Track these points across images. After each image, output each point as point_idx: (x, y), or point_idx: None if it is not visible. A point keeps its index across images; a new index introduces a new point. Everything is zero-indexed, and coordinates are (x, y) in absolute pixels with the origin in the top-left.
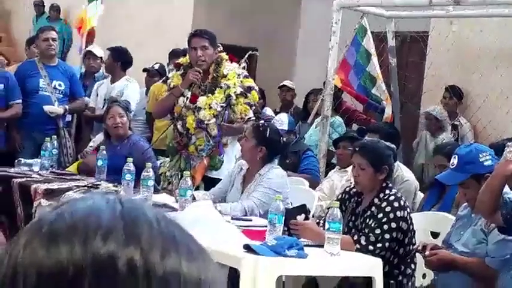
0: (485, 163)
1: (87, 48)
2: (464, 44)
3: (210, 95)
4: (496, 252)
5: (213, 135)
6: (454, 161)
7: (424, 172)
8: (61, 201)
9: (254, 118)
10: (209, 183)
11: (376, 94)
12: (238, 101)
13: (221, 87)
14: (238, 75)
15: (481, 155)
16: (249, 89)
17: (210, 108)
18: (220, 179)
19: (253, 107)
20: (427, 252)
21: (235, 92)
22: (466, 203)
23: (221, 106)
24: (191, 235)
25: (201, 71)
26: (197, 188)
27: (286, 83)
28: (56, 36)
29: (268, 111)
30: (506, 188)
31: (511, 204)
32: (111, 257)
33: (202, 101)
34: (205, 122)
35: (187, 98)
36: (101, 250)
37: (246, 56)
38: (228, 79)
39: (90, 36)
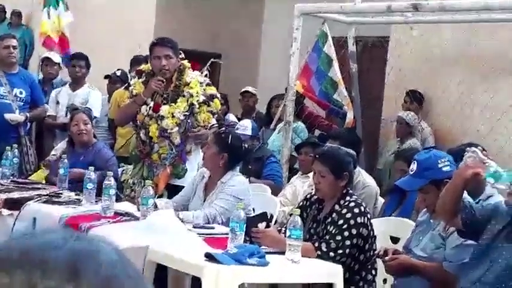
0: (444, 169)
1: (45, 55)
2: (424, 49)
3: (172, 104)
4: (453, 257)
5: (176, 144)
6: (414, 166)
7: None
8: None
9: (217, 125)
10: (173, 191)
11: (338, 99)
12: (201, 109)
13: (184, 96)
14: (201, 83)
15: (439, 161)
16: (212, 97)
17: (173, 117)
18: (184, 187)
19: (216, 115)
20: (387, 257)
21: (198, 100)
22: (425, 209)
23: (184, 115)
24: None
25: (164, 80)
26: (160, 196)
27: (249, 88)
28: (16, 44)
29: (231, 117)
30: (465, 193)
31: (470, 208)
32: None
33: (165, 109)
34: (168, 131)
35: (149, 106)
36: (39, 285)
37: (208, 63)
38: (191, 87)
39: (64, 43)
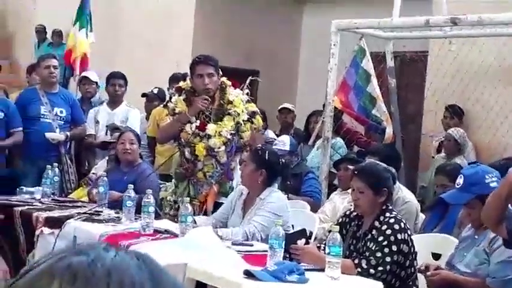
0: (491, 184)
1: (83, 74)
2: (463, 63)
3: (219, 122)
4: (497, 273)
5: (222, 162)
6: (460, 180)
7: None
8: (78, 247)
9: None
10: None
11: (377, 115)
12: (245, 127)
13: (230, 115)
14: (244, 101)
15: (487, 176)
16: (254, 113)
17: (220, 135)
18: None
19: (260, 132)
20: (429, 273)
21: (243, 119)
22: (470, 224)
23: (231, 133)
24: None
25: (209, 99)
26: (205, 214)
27: (286, 105)
28: (56, 63)
29: (269, 133)
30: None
31: None
32: None
33: (211, 128)
34: (216, 150)
35: (195, 125)
36: None
37: (248, 81)
38: (235, 106)
39: (84, 63)
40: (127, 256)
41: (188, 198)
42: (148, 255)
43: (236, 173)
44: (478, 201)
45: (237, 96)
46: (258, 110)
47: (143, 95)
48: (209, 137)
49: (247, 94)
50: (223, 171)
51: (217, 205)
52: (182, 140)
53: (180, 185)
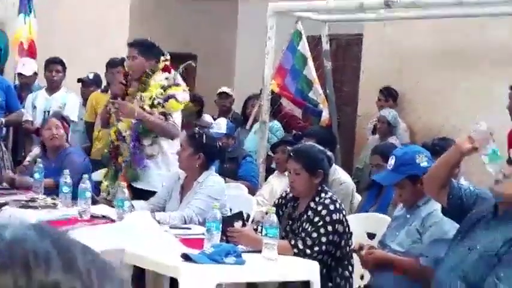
0: (422, 164)
1: (17, 71)
2: (398, 46)
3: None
4: (429, 252)
5: (130, 147)
6: (392, 162)
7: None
8: None
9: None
10: (138, 194)
11: (313, 98)
12: (152, 110)
13: (139, 99)
14: (166, 86)
15: (417, 156)
16: (169, 97)
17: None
18: (148, 190)
19: (168, 116)
20: (362, 252)
21: (149, 104)
22: (402, 204)
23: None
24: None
25: (125, 83)
26: None
27: (225, 89)
28: None
29: (206, 117)
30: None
31: (458, 189)
32: (56, 286)
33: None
34: (123, 134)
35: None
36: (45, 279)
37: (181, 66)
38: (150, 90)
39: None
40: (25, 228)
41: (125, 183)
42: (46, 225)
43: (162, 158)
44: (409, 182)
45: (157, 81)
46: (181, 94)
47: (79, 80)
48: (119, 120)
49: (177, 76)
50: (132, 155)
51: (135, 190)
52: (110, 124)
53: (108, 169)
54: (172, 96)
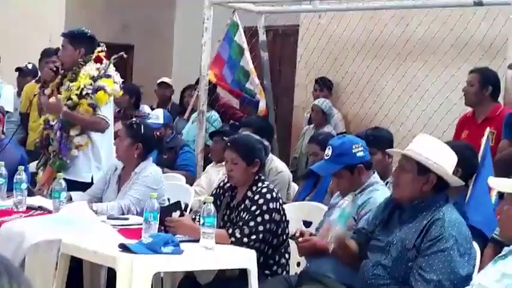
0: (358, 154)
1: None
2: (333, 36)
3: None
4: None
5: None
6: (329, 152)
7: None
8: None
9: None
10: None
11: (250, 88)
12: (80, 101)
13: (69, 90)
14: (95, 76)
15: (353, 146)
16: (98, 89)
17: None
18: (78, 181)
19: (96, 108)
20: (300, 239)
21: (77, 93)
22: (338, 192)
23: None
24: None
25: (55, 69)
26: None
27: (165, 79)
28: None
29: (145, 108)
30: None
31: (361, 233)
32: None
33: (51, 101)
34: (50, 123)
35: (44, 96)
36: None
37: (113, 57)
38: (77, 81)
39: None
40: None
41: (61, 174)
42: None
43: (88, 151)
44: (346, 171)
45: (86, 71)
46: (108, 86)
47: (17, 69)
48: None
49: (117, 68)
50: (58, 145)
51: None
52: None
53: (39, 159)
54: (102, 88)
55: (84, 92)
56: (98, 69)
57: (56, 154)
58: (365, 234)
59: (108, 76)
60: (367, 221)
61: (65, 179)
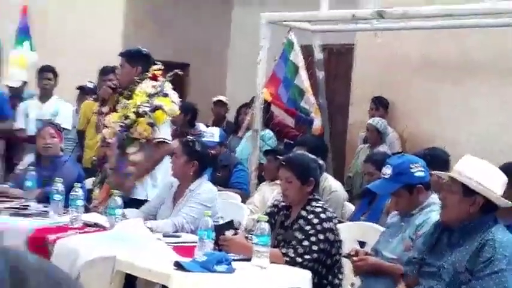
0: (416, 174)
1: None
2: (389, 55)
3: (113, 113)
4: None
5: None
6: (387, 171)
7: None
8: None
9: (164, 139)
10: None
11: (305, 107)
12: (138, 120)
13: (125, 107)
14: (152, 94)
15: (412, 166)
16: (156, 108)
17: (112, 126)
18: (133, 198)
19: (155, 127)
20: (355, 258)
21: (134, 111)
22: (395, 212)
23: (120, 125)
24: None
25: (113, 87)
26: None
27: (221, 98)
28: None
29: (200, 126)
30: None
31: (413, 263)
32: None
33: (108, 119)
34: (107, 140)
35: (102, 114)
36: None
37: (168, 75)
38: (133, 98)
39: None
40: None
41: (117, 191)
42: (15, 250)
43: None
44: (405, 191)
45: (142, 89)
46: (168, 105)
47: (79, 87)
48: (105, 127)
49: (161, 85)
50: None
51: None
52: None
53: (96, 176)
54: (160, 107)
55: (140, 110)
56: (153, 86)
57: (113, 172)
58: (417, 263)
59: (166, 95)
60: (417, 249)
61: (120, 196)
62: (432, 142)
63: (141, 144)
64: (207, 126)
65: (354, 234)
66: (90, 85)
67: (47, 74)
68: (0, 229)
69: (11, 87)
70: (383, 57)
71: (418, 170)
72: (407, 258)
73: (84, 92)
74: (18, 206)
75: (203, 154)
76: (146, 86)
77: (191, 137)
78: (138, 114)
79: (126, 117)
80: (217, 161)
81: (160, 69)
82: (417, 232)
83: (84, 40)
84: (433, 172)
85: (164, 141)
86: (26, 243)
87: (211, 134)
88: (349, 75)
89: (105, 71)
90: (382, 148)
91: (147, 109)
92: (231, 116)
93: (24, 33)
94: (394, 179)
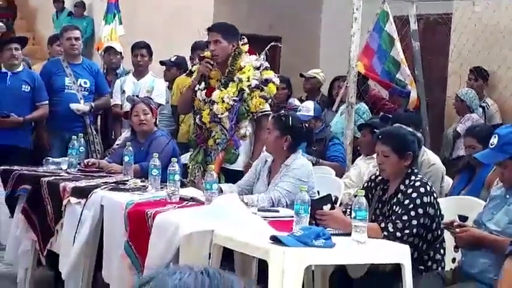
0: None
1: (107, 44)
2: (487, 24)
3: (223, 88)
4: None
5: (227, 129)
6: (494, 140)
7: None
8: (149, 277)
9: (269, 111)
10: (229, 175)
11: (401, 79)
12: (253, 94)
13: (234, 81)
14: (258, 67)
15: None
16: (266, 81)
17: (223, 102)
18: (239, 171)
19: (269, 100)
20: (458, 229)
21: (249, 85)
22: (500, 184)
23: (233, 100)
24: None
25: (212, 63)
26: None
27: (315, 71)
28: (79, 35)
29: (295, 101)
30: None
31: None
32: None
33: (216, 94)
34: (219, 116)
35: (202, 91)
36: None
37: (267, 47)
38: (243, 72)
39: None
40: (190, 278)
41: (213, 166)
42: (216, 270)
43: (248, 140)
44: (511, 161)
45: (249, 62)
46: (275, 78)
47: (161, 63)
48: (213, 103)
49: (264, 60)
50: (229, 137)
51: (226, 171)
52: (195, 107)
53: (193, 152)
54: (270, 80)
55: (253, 83)
56: (257, 60)
57: (225, 147)
58: None
59: (268, 68)
60: None
61: (229, 170)
62: None
63: (250, 118)
64: (301, 99)
65: (454, 208)
66: (172, 59)
67: (140, 50)
68: (101, 204)
69: (109, 54)
70: (482, 27)
71: None
72: None
73: (167, 66)
74: (117, 181)
75: (296, 129)
76: (250, 60)
77: (283, 111)
78: (252, 88)
79: (240, 90)
80: (312, 135)
81: (246, 44)
82: None
83: (177, 15)
84: None
85: (268, 114)
86: (125, 218)
87: (307, 108)
88: (446, 46)
89: (199, 46)
90: (471, 117)
91: (258, 83)
92: (324, 90)
93: (113, 8)
94: (500, 149)
